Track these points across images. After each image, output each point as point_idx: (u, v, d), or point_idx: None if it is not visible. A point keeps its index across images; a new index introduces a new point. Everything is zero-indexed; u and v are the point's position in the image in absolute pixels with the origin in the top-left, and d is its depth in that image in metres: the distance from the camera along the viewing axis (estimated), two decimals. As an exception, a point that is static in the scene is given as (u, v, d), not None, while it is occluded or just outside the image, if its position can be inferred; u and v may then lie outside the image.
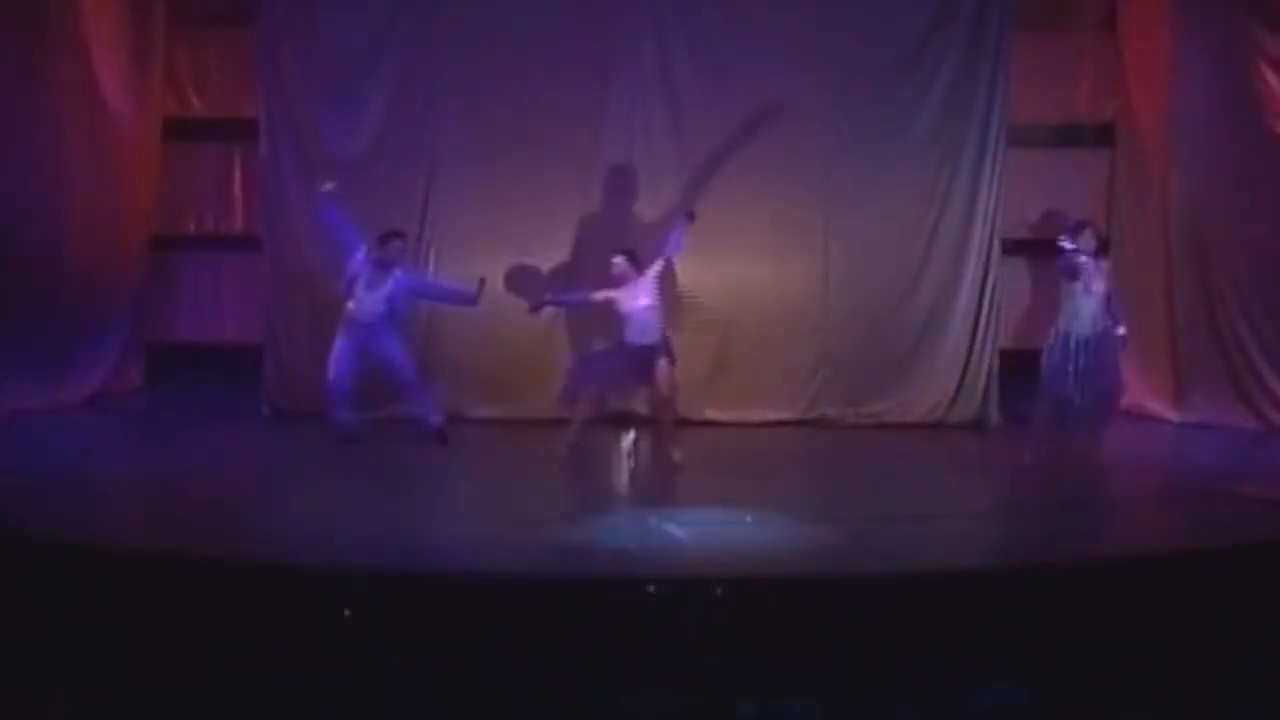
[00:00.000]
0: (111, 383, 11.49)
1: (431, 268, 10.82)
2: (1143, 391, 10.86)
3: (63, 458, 9.19)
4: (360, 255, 9.39)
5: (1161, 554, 7.08)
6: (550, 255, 10.86)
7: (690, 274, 10.81)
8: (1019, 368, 10.72)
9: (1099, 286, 8.93)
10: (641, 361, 9.14)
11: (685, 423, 10.82)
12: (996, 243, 10.82)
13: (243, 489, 8.45)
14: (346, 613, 5.93)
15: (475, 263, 10.56)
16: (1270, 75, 10.23)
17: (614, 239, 10.90)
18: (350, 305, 9.39)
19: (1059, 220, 10.63)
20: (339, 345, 9.43)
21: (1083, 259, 8.86)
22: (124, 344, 11.66)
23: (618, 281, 9.24)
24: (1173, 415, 10.88)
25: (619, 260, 9.26)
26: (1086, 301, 8.92)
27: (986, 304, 10.81)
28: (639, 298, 9.13)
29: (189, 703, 5.49)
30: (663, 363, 9.09)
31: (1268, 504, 8.01)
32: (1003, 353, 10.88)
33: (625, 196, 10.85)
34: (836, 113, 10.73)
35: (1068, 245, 8.85)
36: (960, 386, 10.84)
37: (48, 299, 10.67)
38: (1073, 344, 8.93)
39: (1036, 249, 11.48)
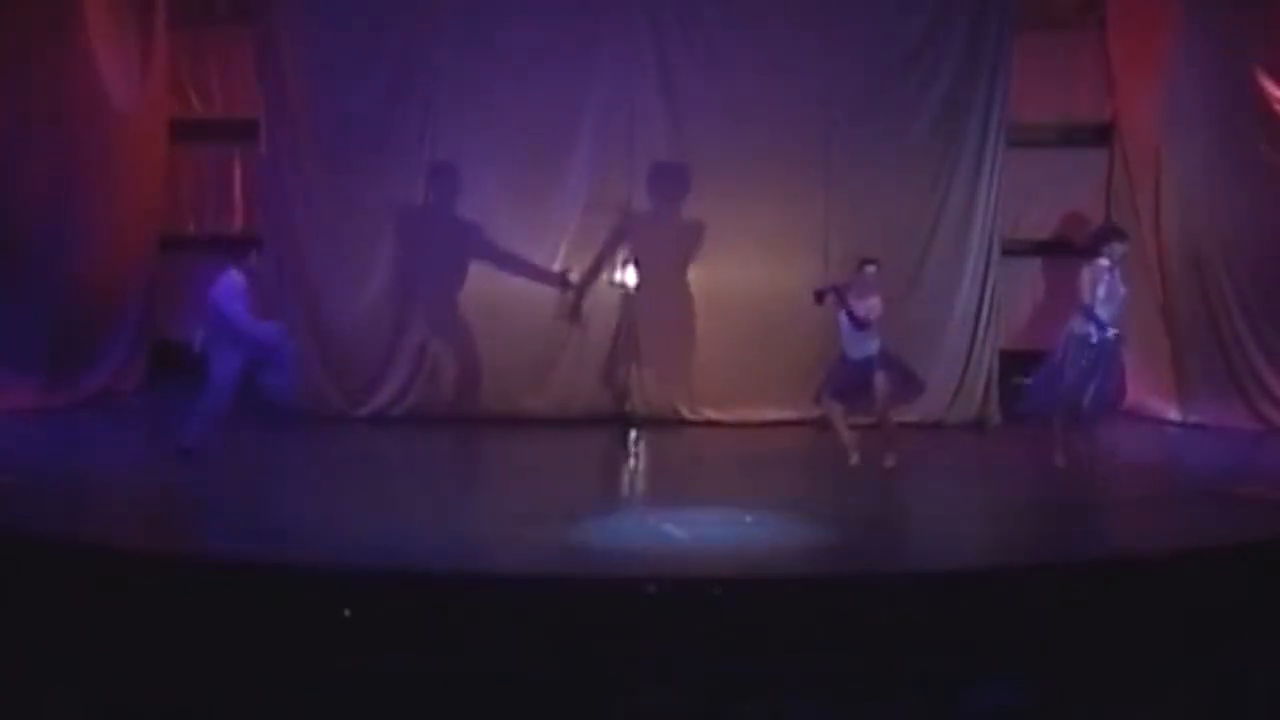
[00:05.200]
0: (115, 382, 11.50)
1: (431, 267, 10.85)
2: (1143, 391, 10.86)
3: (64, 457, 9.18)
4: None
5: (1161, 554, 7.07)
6: (550, 255, 10.87)
7: (691, 274, 10.83)
8: (1019, 368, 10.75)
9: (1120, 292, 8.81)
10: (864, 373, 8.98)
11: (684, 423, 10.88)
12: (996, 243, 10.82)
13: (243, 489, 8.44)
14: (346, 613, 5.93)
15: (475, 262, 10.56)
16: (1266, 74, 10.24)
17: (613, 237, 10.93)
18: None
19: (1076, 225, 10.64)
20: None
21: (1106, 278, 8.77)
22: (128, 343, 11.67)
23: (867, 290, 8.92)
24: (1173, 415, 10.88)
25: (872, 269, 8.97)
26: (1105, 308, 8.75)
27: (986, 304, 10.81)
28: (874, 309, 8.89)
29: (189, 703, 5.49)
30: (881, 374, 8.98)
31: (1268, 504, 8.01)
32: (1003, 353, 10.89)
33: (624, 195, 10.85)
34: (836, 113, 10.73)
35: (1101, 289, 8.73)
36: (960, 386, 10.84)
37: (53, 299, 10.67)
38: (1086, 346, 8.83)
39: (1040, 250, 11.50)
